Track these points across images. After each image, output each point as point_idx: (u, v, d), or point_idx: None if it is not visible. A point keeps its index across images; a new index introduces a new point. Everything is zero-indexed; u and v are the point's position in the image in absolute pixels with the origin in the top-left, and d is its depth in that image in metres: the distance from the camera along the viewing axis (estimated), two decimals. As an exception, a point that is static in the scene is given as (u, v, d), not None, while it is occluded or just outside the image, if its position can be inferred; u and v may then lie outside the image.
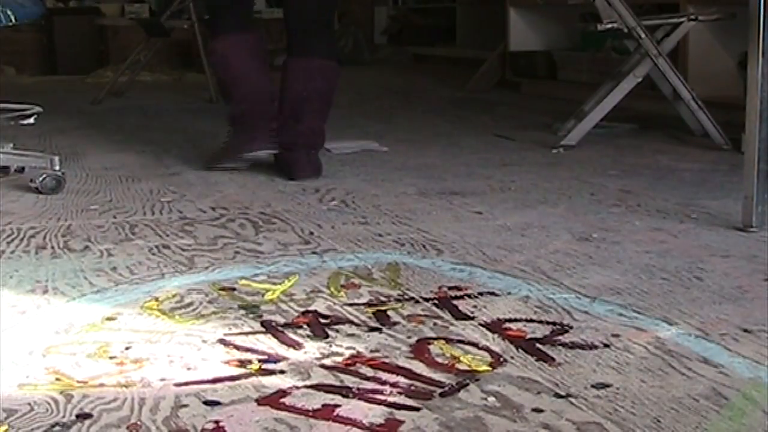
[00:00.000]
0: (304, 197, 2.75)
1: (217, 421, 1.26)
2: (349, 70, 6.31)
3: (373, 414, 1.27)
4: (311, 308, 1.73)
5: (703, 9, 3.85)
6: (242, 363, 1.46)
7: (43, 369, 1.45)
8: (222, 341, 1.56)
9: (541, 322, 1.64)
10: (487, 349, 1.51)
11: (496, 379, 1.39)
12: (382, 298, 1.79)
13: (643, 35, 3.49)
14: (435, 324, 1.64)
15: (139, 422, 1.26)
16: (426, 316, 1.68)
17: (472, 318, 1.67)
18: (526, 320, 1.65)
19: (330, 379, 1.40)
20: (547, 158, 3.37)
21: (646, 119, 4.14)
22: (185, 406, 1.31)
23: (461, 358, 1.47)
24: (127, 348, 1.54)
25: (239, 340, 1.56)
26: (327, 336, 1.58)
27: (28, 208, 2.66)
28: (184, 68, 7.25)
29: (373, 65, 7.89)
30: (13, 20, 2.89)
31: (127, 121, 4.57)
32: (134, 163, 3.38)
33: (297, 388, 1.36)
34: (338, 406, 1.30)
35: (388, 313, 1.70)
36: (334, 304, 1.76)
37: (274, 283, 1.89)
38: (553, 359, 1.46)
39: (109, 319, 1.68)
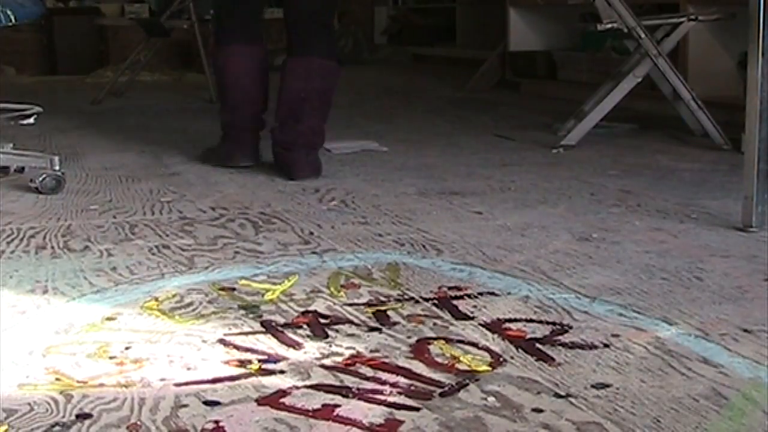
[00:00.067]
0: (304, 197, 2.75)
1: (216, 421, 1.26)
2: (349, 70, 6.30)
3: (373, 414, 1.27)
4: (311, 308, 1.73)
5: (703, 9, 3.85)
6: (242, 363, 1.46)
7: (43, 369, 1.45)
8: (222, 341, 1.56)
9: (541, 322, 1.64)
10: (487, 349, 1.51)
11: (496, 379, 1.39)
12: (382, 298, 1.79)
13: (643, 35, 3.49)
14: (435, 324, 1.64)
15: (139, 422, 1.26)
16: (426, 316, 1.68)
17: (472, 318, 1.67)
18: (526, 320, 1.65)
19: (330, 379, 1.40)
20: (547, 158, 3.37)
21: (646, 119, 4.14)
22: (185, 406, 1.31)
23: (461, 358, 1.47)
24: (127, 348, 1.54)
25: (239, 340, 1.56)
26: (327, 336, 1.58)
27: (28, 208, 2.66)
28: (184, 68, 7.25)
29: (373, 65, 7.89)
30: (13, 20, 2.89)
31: (127, 121, 4.57)
32: (134, 163, 3.38)
33: (297, 388, 1.36)
34: (338, 406, 1.30)
35: (388, 313, 1.70)
36: (334, 304, 1.76)
37: (274, 283, 1.89)
38: (553, 359, 1.46)
39: (109, 319, 1.68)
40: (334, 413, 1.27)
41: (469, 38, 7.48)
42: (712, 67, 4.31)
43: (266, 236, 2.29)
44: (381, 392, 1.34)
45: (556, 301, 1.76)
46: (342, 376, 1.41)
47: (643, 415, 1.26)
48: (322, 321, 1.66)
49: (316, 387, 1.36)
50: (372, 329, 1.62)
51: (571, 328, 1.61)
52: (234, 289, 1.86)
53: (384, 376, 1.40)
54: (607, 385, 1.36)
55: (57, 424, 1.26)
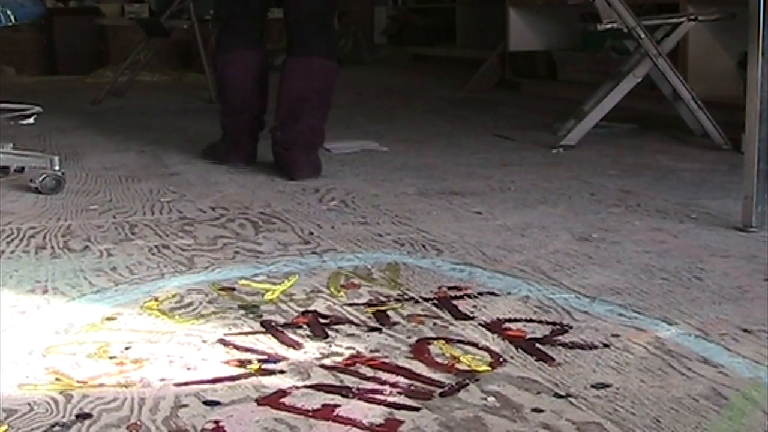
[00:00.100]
0: (303, 197, 2.75)
1: (216, 421, 1.26)
2: (349, 70, 6.32)
3: (373, 414, 1.27)
4: (311, 308, 1.73)
5: (703, 9, 3.85)
6: (242, 363, 1.46)
7: (43, 369, 1.45)
8: (222, 341, 1.56)
9: (540, 322, 1.64)
10: (487, 349, 1.51)
11: (496, 379, 1.39)
12: (382, 298, 1.79)
13: (642, 35, 3.49)
14: (435, 324, 1.64)
15: (138, 422, 1.26)
16: (426, 316, 1.68)
17: (472, 318, 1.67)
18: (526, 320, 1.65)
19: (330, 379, 1.40)
20: (547, 158, 3.37)
21: (646, 119, 4.14)
22: (185, 406, 1.31)
23: (461, 358, 1.47)
24: (126, 348, 1.54)
25: (239, 340, 1.56)
26: (327, 336, 1.58)
27: (28, 208, 2.66)
28: (184, 68, 7.25)
29: (373, 65, 7.89)
30: (13, 20, 2.89)
31: (127, 121, 4.57)
32: (134, 163, 3.38)
33: (297, 388, 1.36)
34: (338, 406, 1.30)
35: (388, 313, 1.70)
36: (334, 304, 1.76)
37: (274, 283, 1.89)
38: (552, 359, 1.46)
39: (108, 319, 1.68)
40: (334, 413, 1.27)
41: (469, 38, 7.48)
42: (712, 67, 4.31)
43: (266, 236, 2.29)
44: (381, 392, 1.34)
45: (556, 301, 1.76)
46: (342, 376, 1.41)
47: (643, 415, 1.26)
48: (322, 321, 1.66)
49: (316, 387, 1.36)
50: (372, 329, 1.62)
51: (571, 328, 1.61)
52: (234, 289, 1.86)
53: (384, 376, 1.40)
54: (607, 385, 1.36)
55: (57, 424, 1.26)
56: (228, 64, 3.17)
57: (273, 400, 1.32)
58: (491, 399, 1.32)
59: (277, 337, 1.58)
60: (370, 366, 1.44)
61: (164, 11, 5.75)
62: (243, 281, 1.91)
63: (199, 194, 2.81)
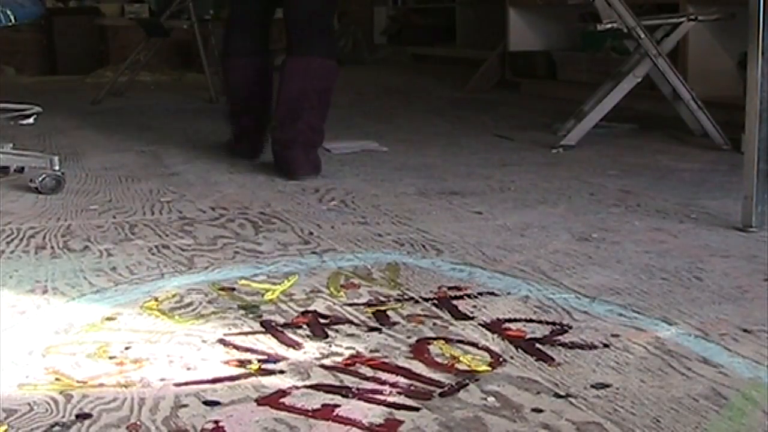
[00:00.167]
0: (303, 197, 2.75)
1: (216, 421, 1.26)
2: (349, 70, 6.32)
3: (373, 414, 1.27)
4: (311, 308, 1.73)
5: (703, 9, 3.85)
6: (242, 363, 1.46)
7: (42, 369, 1.45)
8: (222, 341, 1.56)
9: (540, 322, 1.64)
10: (487, 349, 1.51)
11: (496, 379, 1.39)
12: (382, 298, 1.79)
13: (642, 35, 3.49)
14: (435, 324, 1.64)
15: (138, 422, 1.26)
16: (426, 316, 1.68)
17: (472, 318, 1.67)
18: (526, 320, 1.65)
19: (330, 379, 1.40)
20: (547, 158, 3.37)
21: (646, 119, 4.14)
22: (185, 406, 1.31)
23: (461, 358, 1.47)
24: (126, 348, 1.54)
25: (239, 340, 1.56)
26: (327, 336, 1.58)
27: (27, 208, 2.66)
28: (184, 68, 7.25)
29: (372, 65, 7.89)
30: (13, 20, 2.89)
31: (127, 121, 4.57)
32: (134, 163, 3.38)
33: (297, 388, 1.36)
34: (338, 406, 1.30)
35: (388, 313, 1.70)
36: (334, 304, 1.76)
37: (274, 283, 1.89)
38: (552, 359, 1.46)
39: (108, 319, 1.68)
40: (334, 413, 1.27)
41: (469, 38, 7.48)
42: (712, 67, 4.31)
43: (266, 236, 2.29)
44: (381, 392, 1.34)
45: (555, 301, 1.76)
46: (342, 376, 1.41)
47: (642, 415, 1.26)
48: (322, 321, 1.66)
49: (316, 387, 1.36)
50: (372, 329, 1.62)
51: (570, 328, 1.61)
52: (234, 289, 1.86)
53: (384, 376, 1.40)
54: (607, 385, 1.36)
55: (57, 424, 1.26)
56: (231, 70, 3.26)
57: (273, 400, 1.32)
58: (491, 399, 1.32)
59: (276, 337, 1.58)
60: (370, 366, 1.44)
61: (164, 11, 5.75)
62: (243, 281, 1.91)
63: (198, 194, 2.81)
